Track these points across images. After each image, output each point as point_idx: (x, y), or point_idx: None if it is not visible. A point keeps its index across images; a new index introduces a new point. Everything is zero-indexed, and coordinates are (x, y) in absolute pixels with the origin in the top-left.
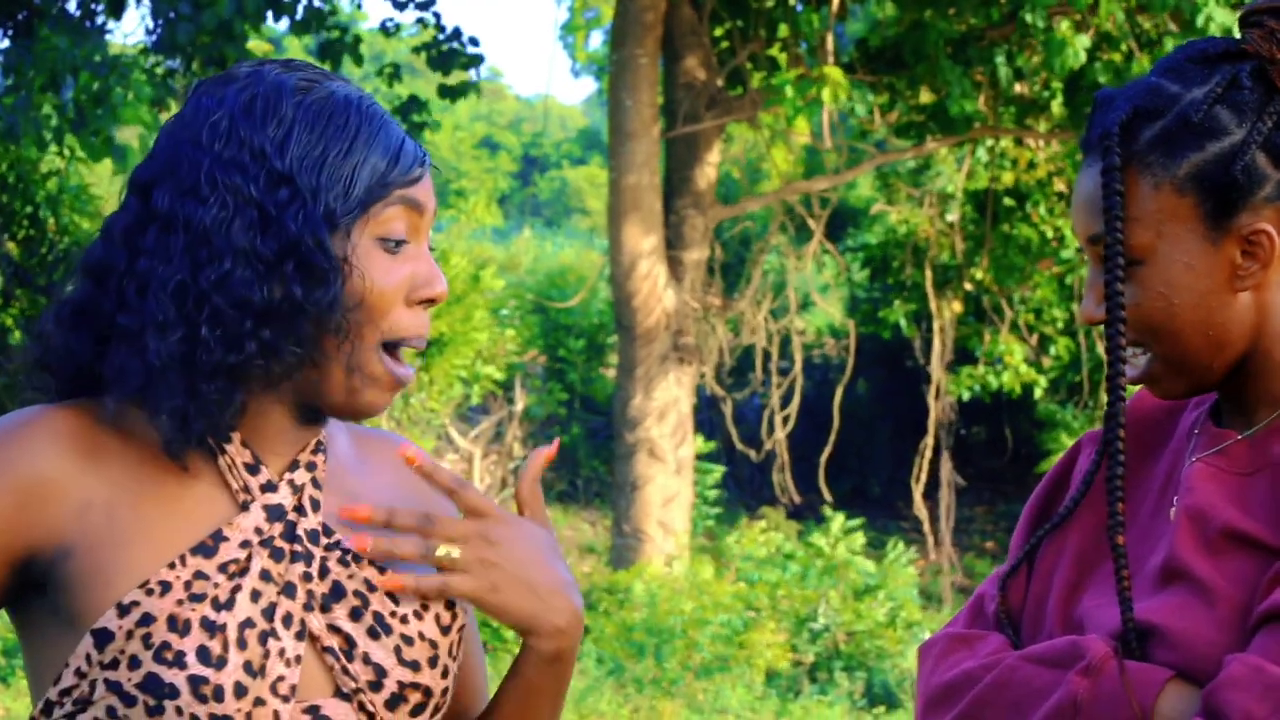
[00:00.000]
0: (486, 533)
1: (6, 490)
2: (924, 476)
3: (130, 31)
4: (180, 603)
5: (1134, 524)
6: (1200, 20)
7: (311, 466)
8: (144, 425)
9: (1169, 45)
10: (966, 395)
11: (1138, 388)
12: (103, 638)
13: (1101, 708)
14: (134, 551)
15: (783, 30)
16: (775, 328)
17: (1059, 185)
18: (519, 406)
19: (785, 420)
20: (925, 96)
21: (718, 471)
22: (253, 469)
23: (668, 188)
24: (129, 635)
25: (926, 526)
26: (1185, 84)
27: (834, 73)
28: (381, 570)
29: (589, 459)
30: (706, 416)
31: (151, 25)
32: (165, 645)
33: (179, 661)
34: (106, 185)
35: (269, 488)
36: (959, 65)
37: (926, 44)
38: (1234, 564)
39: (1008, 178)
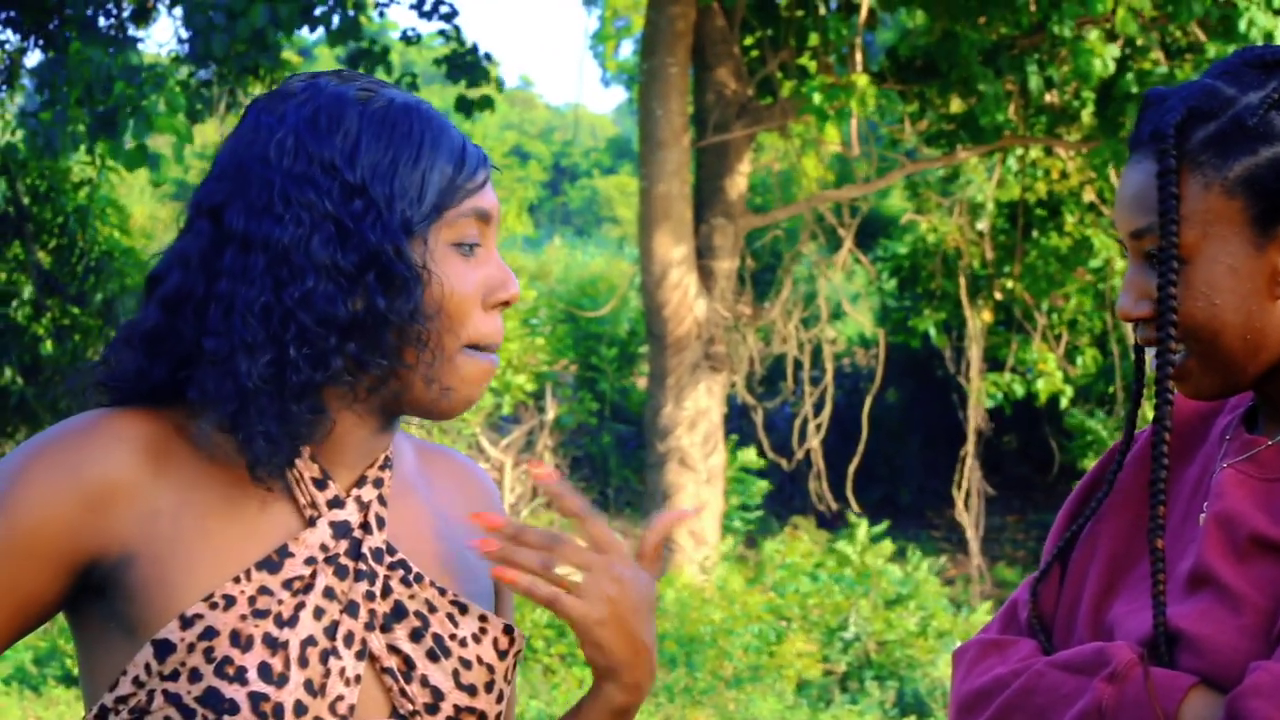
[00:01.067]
0: (610, 568)
1: (74, 493)
2: (963, 484)
3: (164, 42)
4: (244, 618)
5: (1166, 529)
6: (1243, 25)
7: (379, 483)
8: (219, 436)
9: (1211, 52)
10: (990, 403)
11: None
12: (164, 649)
13: (1126, 714)
14: (199, 563)
15: (813, 39)
16: (806, 337)
17: (1089, 195)
18: (550, 416)
19: (818, 429)
20: (955, 105)
21: (763, 485)
22: (320, 484)
23: (698, 197)
24: (191, 648)
25: (968, 534)
26: (1241, 87)
27: (861, 80)
28: (442, 592)
29: (620, 468)
30: (737, 426)
31: (184, 35)
32: (227, 660)
33: (240, 677)
34: (136, 196)
35: (336, 504)
36: (988, 74)
37: (958, 53)
38: (1261, 571)
39: (1039, 187)
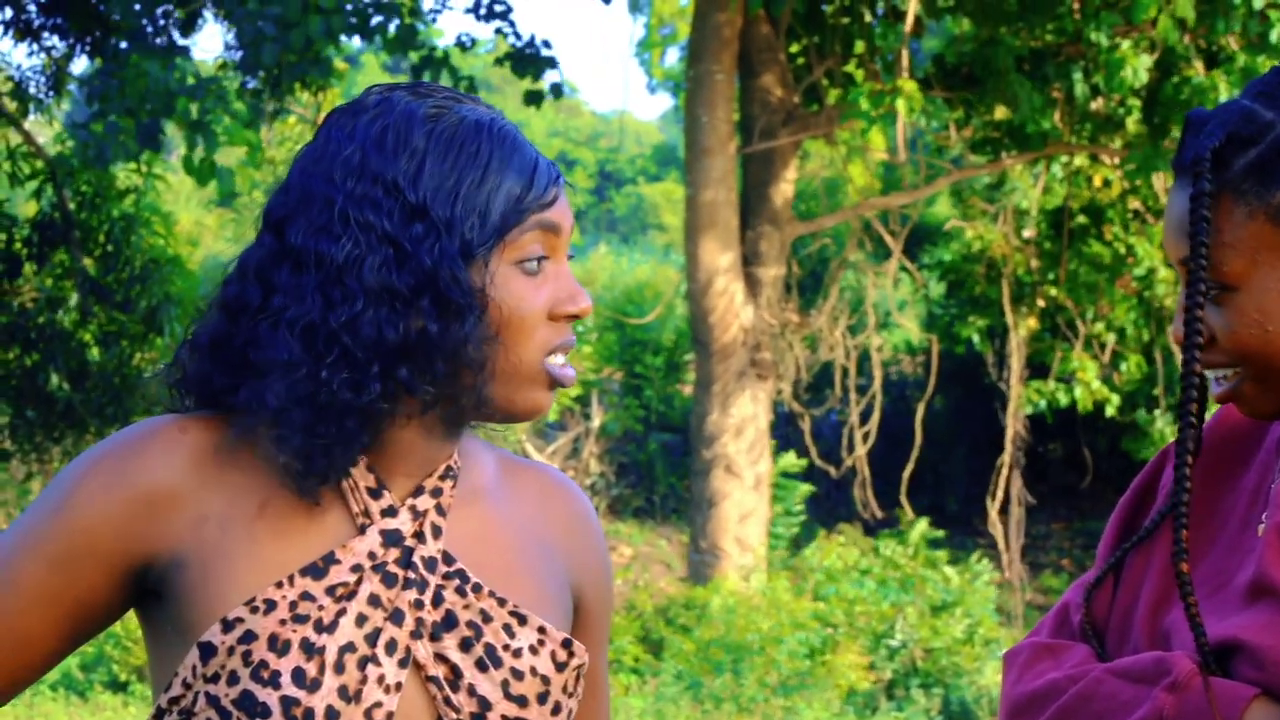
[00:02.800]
0: None
1: (126, 498)
2: (999, 493)
3: (210, 50)
4: (283, 622)
5: (1221, 537)
6: (1274, 36)
7: (437, 492)
8: (269, 444)
9: (1239, 61)
10: (1030, 410)
11: (1210, 413)
12: (207, 651)
13: None
14: (244, 568)
15: (859, 47)
16: (852, 344)
17: (1134, 203)
18: (596, 423)
19: (865, 437)
20: (1000, 113)
21: (804, 489)
22: (375, 493)
23: (744, 204)
24: (231, 651)
25: (1002, 544)
26: (1279, 110)
27: (908, 85)
28: (502, 602)
29: (666, 475)
30: (784, 433)
31: (234, 43)
32: (263, 664)
33: (274, 681)
34: (182, 203)
35: (389, 513)
36: (1033, 81)
37: (998, 60)
38: None
39: (1083, 195)
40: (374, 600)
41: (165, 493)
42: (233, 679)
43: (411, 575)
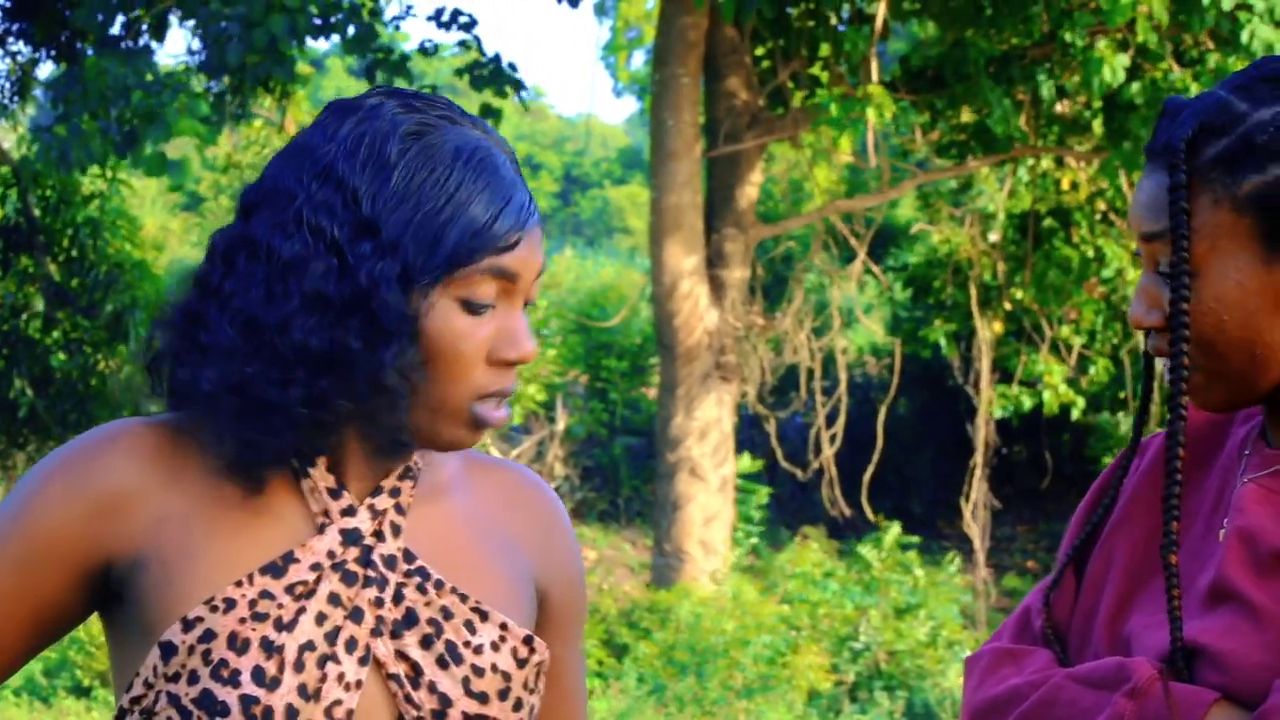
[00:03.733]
0: None
1: (86, 501)
2: (973, 495)
3: (176, 55)
4: (243, 621)
5: (1184, 542)
6: (1245, 37)
7: (396, 492)
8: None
9: (1210, 62)
10: (999, 414)
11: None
12: (168, 651)
13: None
14: (204, 567)
15: (824, 50)
16: (817, 346)
17: (1100, 206)
18: (560, 426)
19: (832, 439)
20: (967, 115)
21: (763, 492)
22: (335, 493)
23: (709, 207)
24: (191, 650)
25: (975, 546)
26: (1254, 103)
27: (877, 90)
28: (464, 598)
29: (630, 478)
30: (748, 436)
31: (197, 46)
32: (223, 663)
33: (233, 680)
34: (147, 208)
35: (348, 512)
36: (1000, 84)
37: (967, 63)
38: None
39: (1050, 197)
40: (333, 599)
41: (125, 495)
42: (193, 678)
43: (371, 573)
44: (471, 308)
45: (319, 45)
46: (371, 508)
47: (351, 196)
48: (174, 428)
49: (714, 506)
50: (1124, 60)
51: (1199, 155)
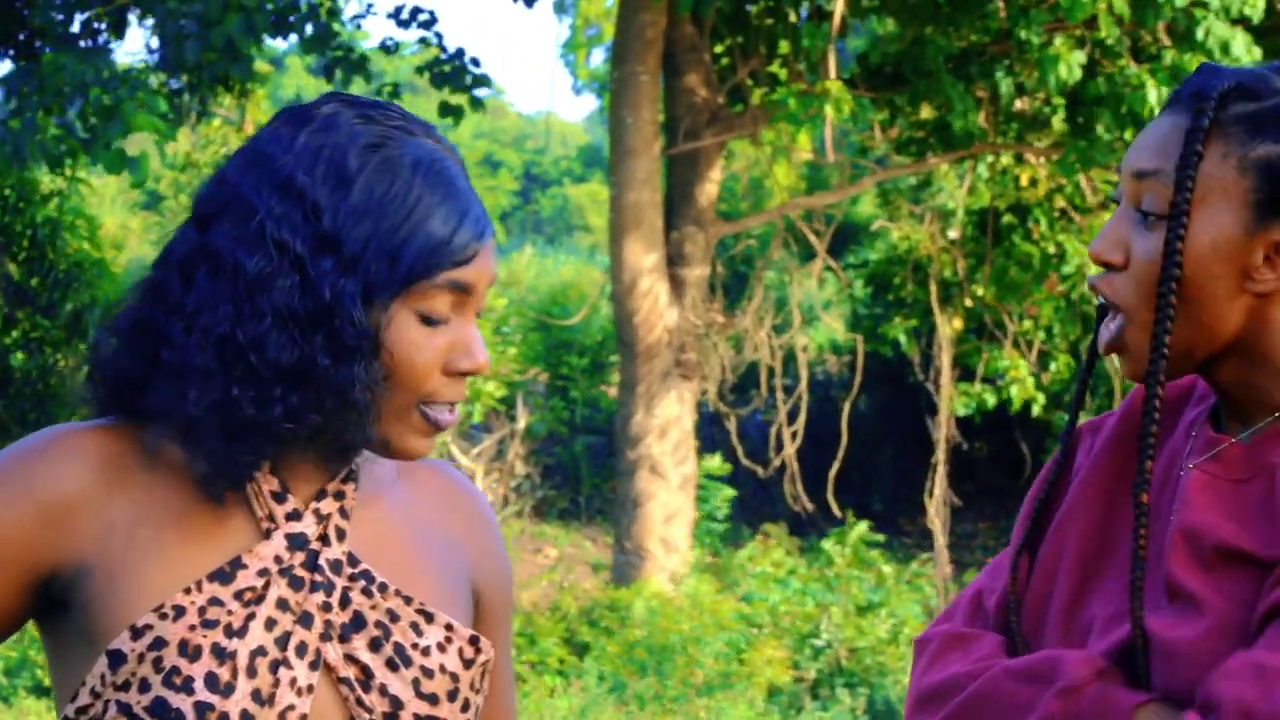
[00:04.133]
0: None
1: (32, 508)
2: (935, 491)
3: (134, 53)
4: (193, 628)
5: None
6: (1200, 33)
7: (339, 495)
8: (174, 450)
9: (1167, 58)
10: (963, 411)
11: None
12: (116, 659)
13: None
14: (152, 574)
15: (783, 47)
16: (777, 344)
17: (1060, 202)
18: (521, 424)
19: (793, 436)
20: (926, 112)
21: (727, 492)
22: (279, 497)
23: (669, 205)
24: (141, 658)
25: (938, 541)
26: None
27: (836, 86)
28: (408, 601)
29: (591, 476)
30: (709, 434)
31: (155, 44)
32: (175, 670)
33: (187, 687)
34: (107, 207)
35: (294, 516)
36: (960, 81)
37: (926, 60)
38: (1229, 581)
39: (1010, 194)
40: (282, 604)
41: (69, 501)
42: (144, 686)
43: (318, 578)
44: (428, 320)
45: (278, 44)
46: (316, 512)
47: (312, 210)
48: (117, 433)
49: (675, 504)
50: (1080, 57)
51: (1227, 109)
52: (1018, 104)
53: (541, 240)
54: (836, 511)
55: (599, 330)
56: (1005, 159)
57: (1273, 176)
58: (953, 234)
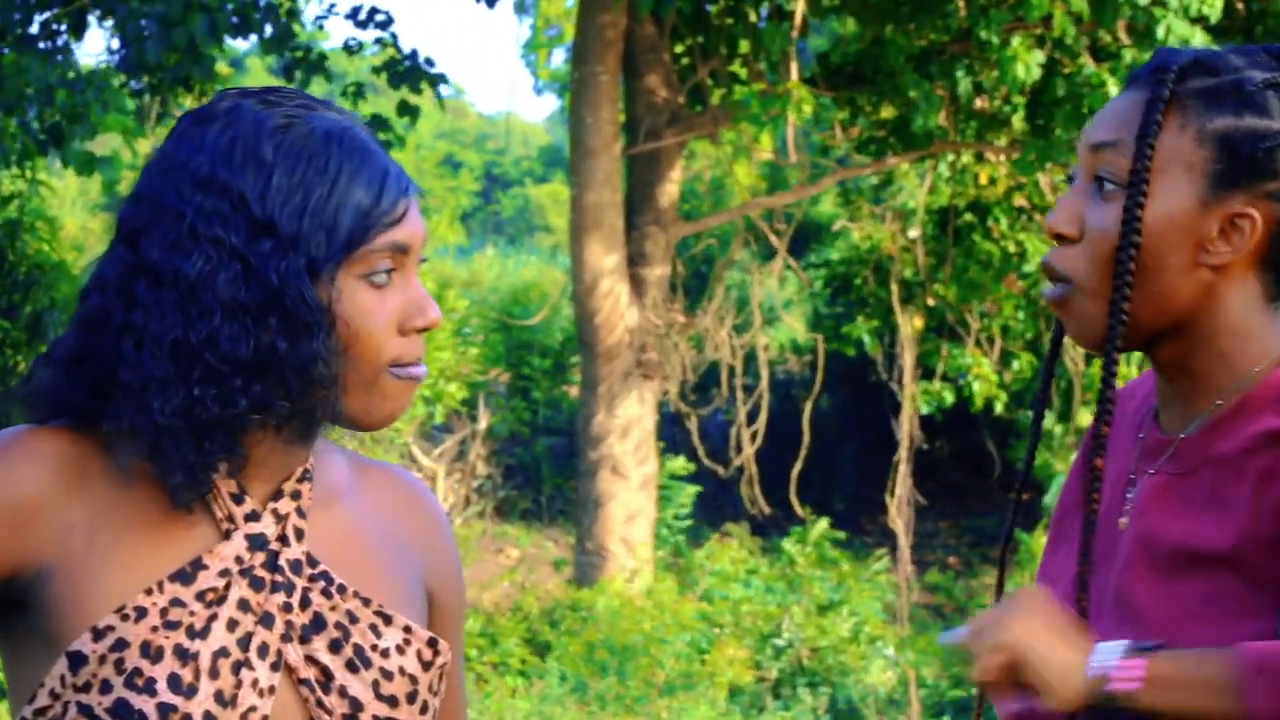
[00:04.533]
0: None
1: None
2: (897, 491)
3: (95, 54)
4: (155, 629)
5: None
6: (1160, 32)
7: (296, 495)
8: (145, 459)
9: (1127, 57)
10: (925, 410)
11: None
12: (77, 661)
13: None
14: (112, 576)
15: (743, 46)
16: (738, 344)
17: (1019, 200)
18: (482, 425)
19: (754, 436)
20: (887, 112)
21: (690, 492)
22: (238, 498)
23: (629, 205)
24: (102, 660)
25: (900, 540)
26: (1251, 64)
27: (797, 86)
28: (366, 603)
29: (553, 476)
30: (670, 434)
31: (116, 45)
32: (137, 671)
33: (149, 688)
34: (68, 208)
35: (253, 517)
36: (922, 80)
37: (887, 59)
38: (1182, 587)
39: (970, 193)
40: (243, 605)
41: (28, 503)
42: (105, 687)
43: (278, 578)
44: (374, 281)
45: (238, 45)
46: (274, 511)
47: (240, 200)
48: (75, 433)
49: (636, 504)
50: (1039, 57)
51: (1185, 82)
52: (978, 103)
53: (503, 241)
54: (798, 510)
55: (560, 331)
56: (966, 158)
57: (1230, 148)
58: (913, 233)
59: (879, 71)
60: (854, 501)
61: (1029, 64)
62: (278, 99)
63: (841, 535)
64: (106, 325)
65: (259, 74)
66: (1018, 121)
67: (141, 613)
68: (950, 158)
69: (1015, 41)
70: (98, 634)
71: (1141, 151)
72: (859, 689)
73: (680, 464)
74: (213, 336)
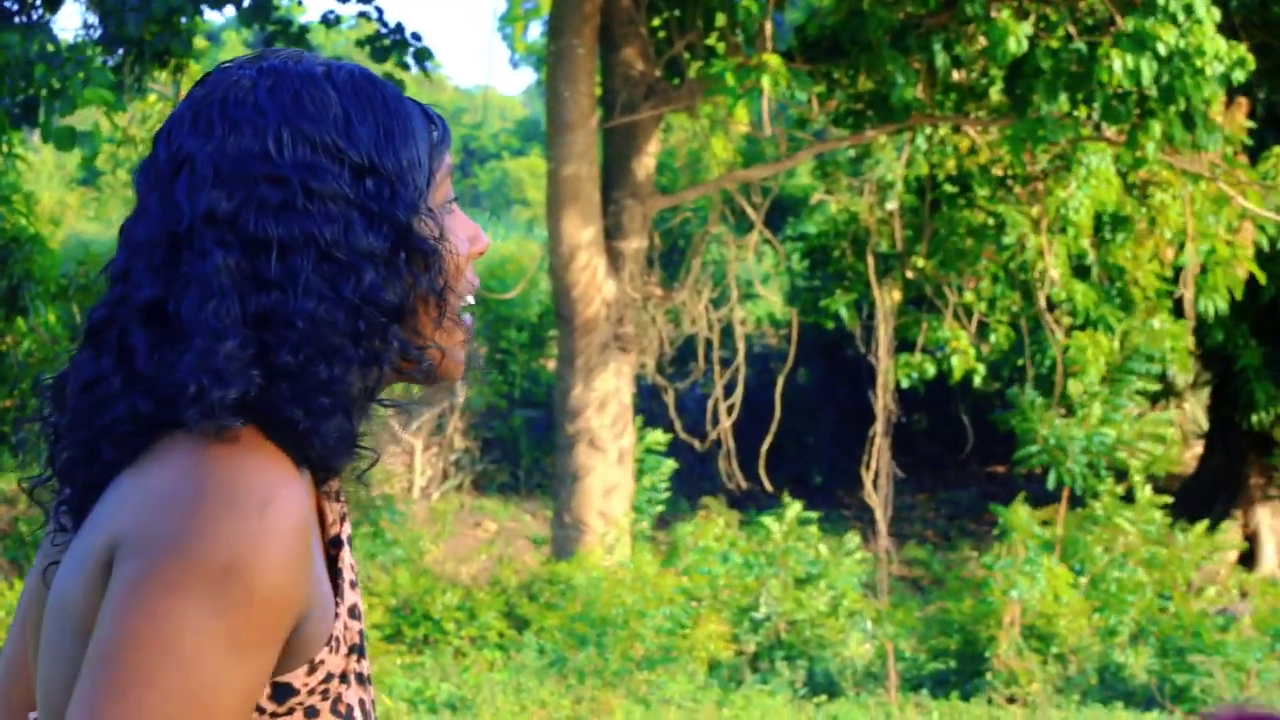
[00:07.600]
0: None
1: (306, 557)
2: (874, 464)
3: (67, 28)
4: (346, 656)
5: None
6: None
7: (339, 495)
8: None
9: (1129, 25)
10: (905, 383)
11: None
12: (284, 693)
13: None
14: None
15: (720, 20)
16: (715, 317)
17: (998, 171)
18: (460, 399)
19: (730, 410)
20: (864, 84)
21: (668, 465)
22: (335, 495)
23: (606, 178)
24: (311, 691)
25: (877, 514)
26: None
27: (773, 59)
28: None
29: (530, 450)
30: (647, 407)
31: (94, 19)
32: (338, 698)
33: (349, 717)
34: (44, 182)
35: (345, 517)
36: (898, 54)
37: (866, 32)
38: None
39: (949, 164)
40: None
41: (312, 536)
42: (311, 712)
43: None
44: (450, 210)
45: (215, 17)
46: (342, 515)
47: (333, 147)
48: (275, 449)
49: (613, 478)
50: (1026, 29)
51: None
52: (955, 75)
53: (480, 214)
54: (769, 487)
55: (538, 304)
56: (944, 130)
57: None
58: (891, 205)
59: (856, 44)
60: (832, 474)
61: (1019, 36)
62: (289, 54)
63: (814, 515)
64: (268, 319)
65: (236, 48)
66: (995, 94)
67: (338, 643)
68: (928, 130)
69: (1004, 14)
70: (313, 667)
71: None
72: (837, 662)
73: (658, 437)
74: (369, 292)
